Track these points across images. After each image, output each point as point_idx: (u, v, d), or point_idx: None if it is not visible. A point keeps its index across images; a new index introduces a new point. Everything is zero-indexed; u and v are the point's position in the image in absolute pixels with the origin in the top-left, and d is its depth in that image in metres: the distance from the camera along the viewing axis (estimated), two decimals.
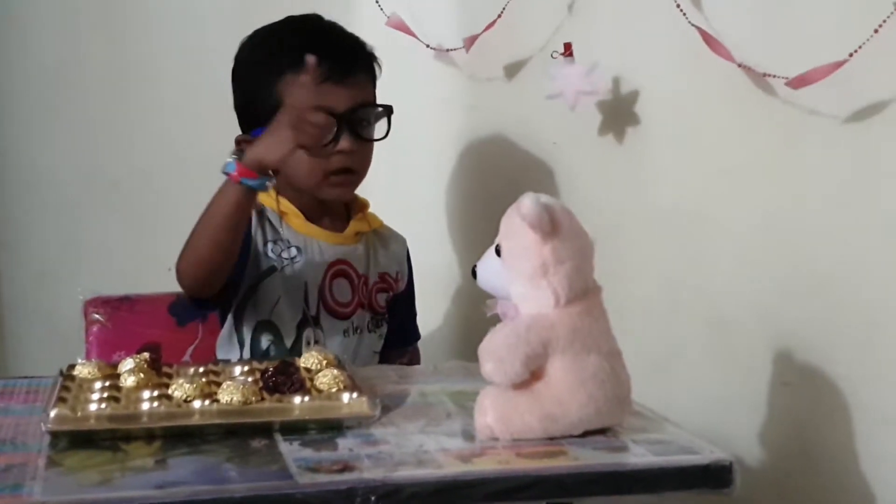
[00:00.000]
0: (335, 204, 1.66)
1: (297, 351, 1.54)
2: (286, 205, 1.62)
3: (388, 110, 1.63)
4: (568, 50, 1.64)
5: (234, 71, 1.65)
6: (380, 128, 1.63)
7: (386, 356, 1.69)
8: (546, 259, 1.15)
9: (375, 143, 1.64)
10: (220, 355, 1.60)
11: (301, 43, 1.58)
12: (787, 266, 1.49)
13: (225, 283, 1.49)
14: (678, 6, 1.51)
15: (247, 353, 1.58)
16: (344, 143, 1.57)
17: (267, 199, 1.61)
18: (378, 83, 1.67)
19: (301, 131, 1.43)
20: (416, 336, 1.79)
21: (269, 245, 1.59)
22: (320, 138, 1.49)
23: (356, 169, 1.61)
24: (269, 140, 1.43)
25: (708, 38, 1.47)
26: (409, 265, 1.75)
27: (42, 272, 2.49)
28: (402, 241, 1.76)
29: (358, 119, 1.59)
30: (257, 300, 1.58)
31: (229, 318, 1.59)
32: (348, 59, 1.60)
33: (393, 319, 1.71)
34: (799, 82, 1.35)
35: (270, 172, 1.42)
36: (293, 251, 1.59)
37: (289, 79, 1.57)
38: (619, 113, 1.68)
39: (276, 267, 1.58)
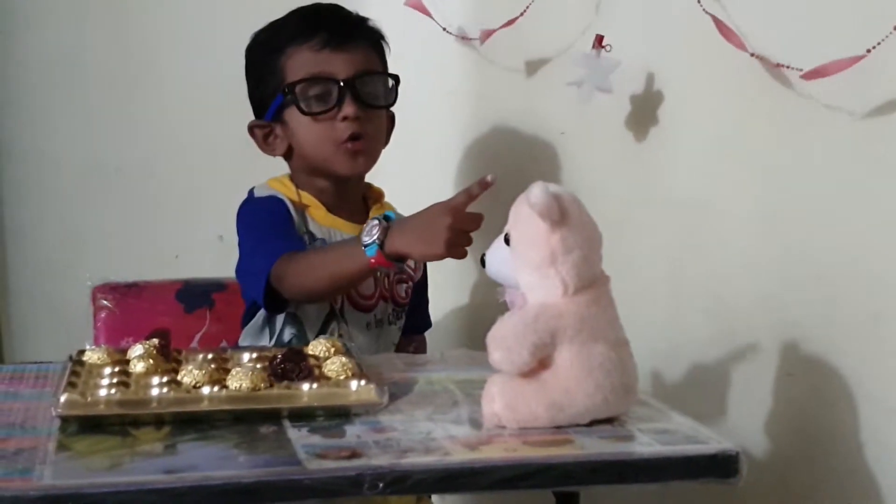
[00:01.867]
0: (353, 194, 1.65)
1: None
2: (307, 198, 1.61)
3: (394, 78, 1.63)
4: (600, 42, 1.63)
5: (245, 63, 1.67)
6: (388, 96, 1.63)
7: (415, 342, 1.70)
8: (554, 248, 1.15)
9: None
10: (247, 343, 1.60)
11: (299, 18, 1.61)
12: (792, 257, 1.49)
13: None
14: None
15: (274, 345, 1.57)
16: (348, 108, 1.56)
17: (288, 192, 1.61)
18: (390, 67, 1.67)
19: (454, 247, 1.33)
20: (428, 324, 1.79)
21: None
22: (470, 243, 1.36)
23: (367, 135, 1.59)
24: (419, 236, 1.34)
25: (721, 27, 1.47)
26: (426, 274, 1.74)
27: (47, 259, 2.49)
28: None
29: (362, 86, 1.58)
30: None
31: (262, 310, 1.57)
32: (347, 27, 1.61)
33: (408, 308, 1.70)
34: (813, 74, 1.35)
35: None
36: (318, 244, 1.58)
37: (289, 52, 1.59)
38: (628, 104, 1.69)
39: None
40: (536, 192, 1.15)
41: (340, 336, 1.55)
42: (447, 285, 2.01)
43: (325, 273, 1.44)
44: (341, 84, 1.57)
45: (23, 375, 1.34)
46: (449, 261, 1.99)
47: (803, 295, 1.47)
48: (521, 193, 1.19)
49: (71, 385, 1.17)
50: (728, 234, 1.58)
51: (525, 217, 1.16)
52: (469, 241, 1.36)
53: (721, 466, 1.07)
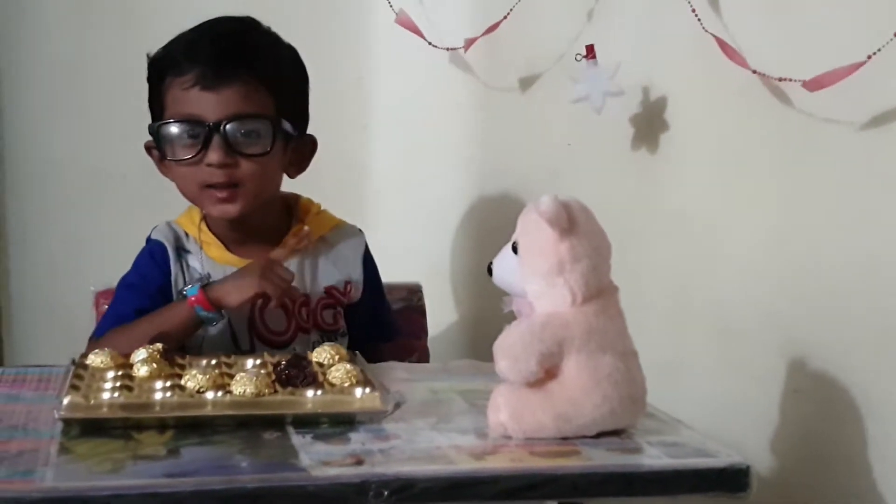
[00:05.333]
0: (266, 223, 1.57)
1: None
2: (206, 234, 1.56)
3: (272, 120, 1.50)
4: (590, 52, 1.62)
5: None
6: (265, 142, 1.49)
7: (379, 352, 1.58)
8: (563, 257, 1.14)
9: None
10: None
11: (181, 46, 1.53)
12: (798, 271, 1.49)
13: None
14: (694, 13, 1.50)
15: None
16: (213, 154, 1.47)
17: (190, 226, 1.57)
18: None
19: (267, 281, 1.44)
20: (393, 332, 1.69)
21: (188, 287, 1.49)
22: (287, 289, 1.46)
23: (239, 183, 1.49)
24: (233, 282, 1.45)
25: (723, 46, 1.47)
26: (367, 263, 1.65)
27: (50, 265, 2.49)
28: (356, 239, 1.65)
29: (234, 130, 1.47)
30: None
31: None
32: (224, 62, 1.48)
33: (357, 321, 1.62)
34: (816, 84, 1.35)
35: (223, 312, 1.45)
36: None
37: (168, 82, 1.51)
38: (632, 118, 1.68)
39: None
40: (546, 200, 1.14)
41: None
42: (450, 296, 2.01)
43: (149, 330, 1.43)
44: (209, 127, 1.47)
45: (25, 378, 1.33)
46: (452, 273, 1.99)
47: (809, 310, 1.47)
48: (525, 204, 1.19)
49: (74, 388, 1.16)
50: (733, 249, 1.58)
51: (533, 225, 1.16)
52: (284, 283, 1.45)
53: (730, 480, 1.06)
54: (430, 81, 2.01)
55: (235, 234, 1.57)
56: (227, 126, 1.47)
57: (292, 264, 1.56)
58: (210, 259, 1.55)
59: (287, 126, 1.53)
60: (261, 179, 1.51)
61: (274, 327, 1.55)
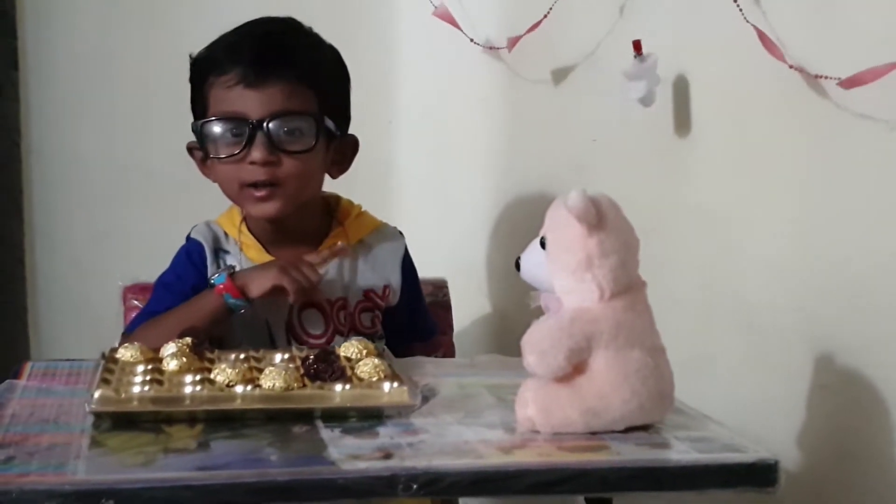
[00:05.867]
0: (306, 224, 1.57)
1: None
2: (246, 235, 1.57)
3: (316, 118, 1.50)
4: (638, 48, 1.60)
5: None
6: (308, 140, 1.50)
7: (410, 350, 1.59)
8: (591, 252, 1.14)
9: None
10: None
11: (224, 46, 1.53)
12: (826, 267, 1.48)
13: None
14: (736, 2, 1.49)
15: None
16: (255, 153, 1.47)
17: (230, 227, 1.58)
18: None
19: (285, 274, 1.44)
20: (432, 331, 1.69)
21: (215, 276, 1.50)
22: (307, 286, 1.46)
23: (279, 182, 1.49)
24: (258, 272, 1.48)
25: (763, 38, 1.45)
26: (406, 267, 1.64)
27: (76, 260, 2.50)
28: (396, 242, 1.64)
29: (276, 128, 1.48)
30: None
31: None
32: (267, 61, 1.48)
33: (395, 325, 1.62)
34: (851, 83, 1.34)
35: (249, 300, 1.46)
36: None
37: (211, 81, 1.51)
38: (660, 111, 1.68)
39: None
40: (574, 195, 1.14)
41: None
42: (476, 292, 2.01)
43: (181, 322, 1.44)
44: (252, 124, 1.47)
45: (55, 372, 1.34)
46: (478, 269, 1.99)
47: (837, 306, 1.46)
48: (552, 200, 1.19)
49: (104, 382, 1.17)
50: (761, 244, 1.57)
51: (562, 220, 1.16)
52: (305, 281, 1.45)
53: (759, 475, 1.05)
54: (457, 77, 2.01)
55: (275, 235, 1.57)
56: (271, 124, 1.47)
57: (333, 266, 1.56)
58: (248, 260, 1.56)
59: (330, 124, 1.53)
60: (302, 178, 1.51)
61: (311, 330, 1.56)
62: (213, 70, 1.52)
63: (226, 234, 1.59)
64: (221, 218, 1.62)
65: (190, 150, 1.58)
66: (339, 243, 1.55)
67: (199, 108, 1.55)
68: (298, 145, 1.49)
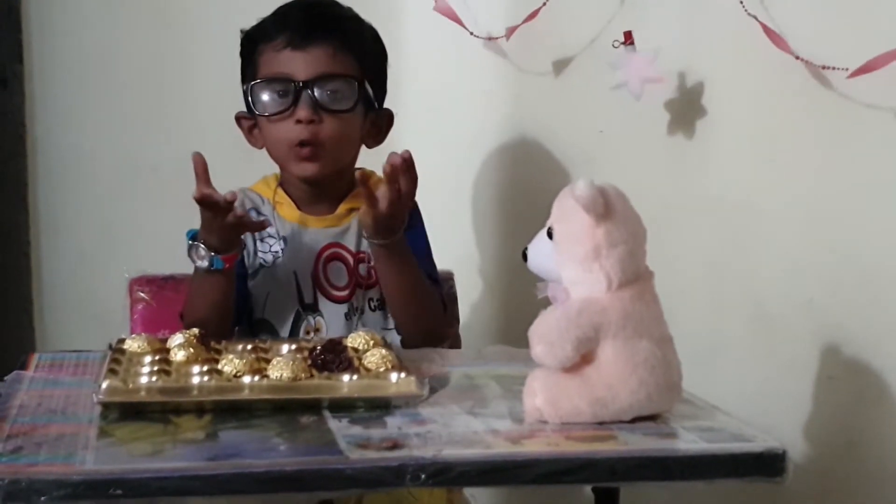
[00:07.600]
0: (331, 188, 1.62)
1: None
2: (281, 195, 1.63)
3: (358, 81, 1.57)
4: (628, 38, 1.62)
5: None
6: (349, 101, 1.56)
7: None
8: (599, 242, 1.14)
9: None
10: None
11: (273, 16, 1.61)
12: (835, 258, 1.48)
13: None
14: None
15: None
16: (301, 111, 1.54)
17: (266, 190, 1.63)
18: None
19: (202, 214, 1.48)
20: (432, 275, 1.66)
21: (258, 244, 1.59)
22: (223, 204, 1.46)
23: (320, 141, 1.56)
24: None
25: (767, 31, 1.45)
26: (414, 219, 1.63)
27: (81, 255, 2.50)
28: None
29: (321, 88, 1.55)
30: (247, 298, 1.58)
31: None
32: (311, 26, 1.57)
33: None
34: (859, 72, 1.34)
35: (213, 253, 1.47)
36: (277, 245, 1.59)
37: (261, 49, 1.59)
38: (668, 103, 1.68)
39: (263, 264, 1.58)
40: (582, 185, 1.14)
41: (317, 331, 1.58)
42: (481, 284, 2.01)
43: (196, 297, 1.49)
44: (298, 85, 1.54)
45: (62, 364, 1.34)
46: (484, 260, 1.98)
47: (845, 297, 1.46)
48: (558, 191, 1.18)
49: (112, 372, 1.17)
50: (769, 235, 1.57)
51: (569, 210, 1.15)
52: (206, 213, 1.46)
53: (767, 465, 1.05)
54: (461, 68, 2.01)
55: (309, 196, 1.62)
56: (315, 85, 1.54)
57: (350, 227, 1.61)
58: (280, 218, 1.61)
59: (369, 90, 1.59)
60: (341, 140, 1.57)
61: (335, 282, 1.60)
62: (262, 38, 1.59)
63: (262, 198, 1.64)
64: (257, 185, 1.67)
65: (238, 119, 1.65)
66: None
67: (249, 74, 1.61)
68: (340, 105, 1.56)
